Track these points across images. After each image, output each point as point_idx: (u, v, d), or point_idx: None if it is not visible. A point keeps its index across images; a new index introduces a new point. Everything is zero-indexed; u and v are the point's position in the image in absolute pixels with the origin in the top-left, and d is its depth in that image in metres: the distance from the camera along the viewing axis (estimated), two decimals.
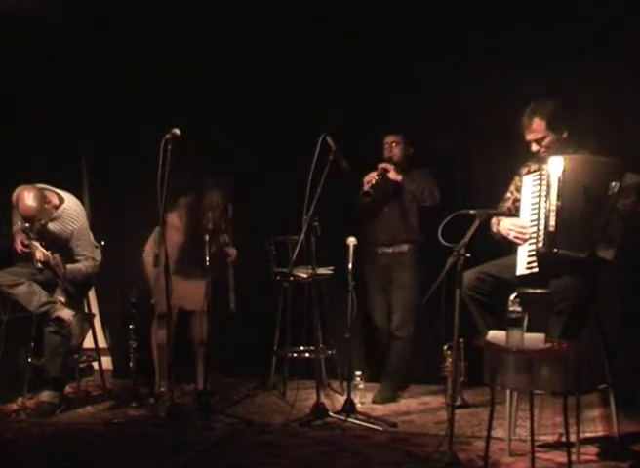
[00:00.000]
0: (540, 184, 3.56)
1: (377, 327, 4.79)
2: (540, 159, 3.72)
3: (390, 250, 4.69)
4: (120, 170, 5.50)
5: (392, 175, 4.61)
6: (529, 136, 3.74)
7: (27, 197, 4.21)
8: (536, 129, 3.71)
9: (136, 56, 5.33)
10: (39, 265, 4.27)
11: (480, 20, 4.77)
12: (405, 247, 4.68)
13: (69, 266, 4.37)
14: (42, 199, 4.27)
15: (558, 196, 3.48)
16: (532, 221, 3.60)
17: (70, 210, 4.43)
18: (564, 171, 3.49)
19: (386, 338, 4.70)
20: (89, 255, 4.46)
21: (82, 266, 4.42)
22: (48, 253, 4.27)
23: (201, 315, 4.46)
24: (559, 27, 4.58)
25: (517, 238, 3.63)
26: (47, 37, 5.30)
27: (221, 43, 5.21)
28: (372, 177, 4.55)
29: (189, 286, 4.52)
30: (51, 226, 4.37)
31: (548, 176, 3.52)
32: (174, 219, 4.62)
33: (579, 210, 3.47)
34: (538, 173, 3.62)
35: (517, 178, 3.88)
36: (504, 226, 3.70)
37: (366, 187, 4.49)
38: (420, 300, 3.61)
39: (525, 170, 3.82)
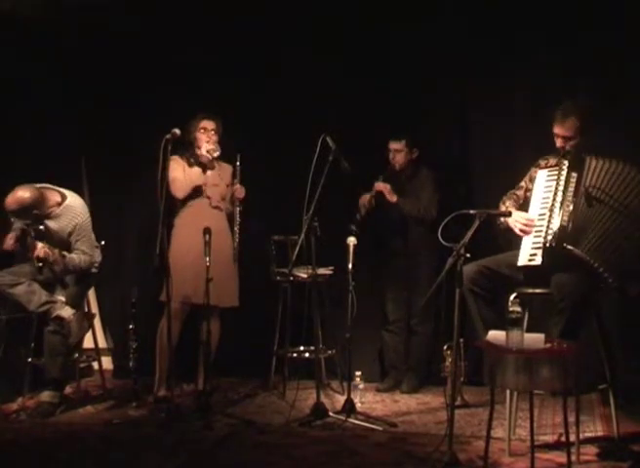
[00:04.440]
0: (558, 180, 3.56)
1: (391, 321, 4.87)
2: (561, 155, 3.70)
3: (408, 252, 4.77)
4: (120, 170, 5.50)
5: (388, 196, 4.68)
6: (560, 131, 3.70)
7: (18, 191, 4.18)
8: (569, 127, 3.68)
9: (136, 55, 5.33)
10: (39, 264, 4.24)
11: (481, 20, 4.79)
12: (421, 250, 4.72)
13: (65, 254, 4.34)
14: (35, 198, 4.20)
15: (574, 195, 3.48)
16: (540, 215, 3.60)
17: (73, 205, 4.42)
18: (586, 172, 3.49)
19: (404, 333, 4.84)
20: (86, 251, 4.41)
21: (76, 256, 4.36)
22: (48, 248, 4.24)
23: (206, 313, 4.42)
24: (560, 28, 4.59)
25: (522, 231, 3.63)
26: (47, 37, 5.30)
27: (221, 43, 5.21)
28: (365, 200, 4.65)
29: (201, 277, 4.24)
30: (52, 224, 4.35)
31: (568, 174, 3.52)
32: (177, 160, 4.58)
33: (598, 215, 3.47)
34: (555, 168, 3.61)
35: (533, 169, 3.86)
36: (512, 218, 3.69)
37: (353, 227, 4.46)
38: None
39: (543, 163, 3.81)
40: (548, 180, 3.62)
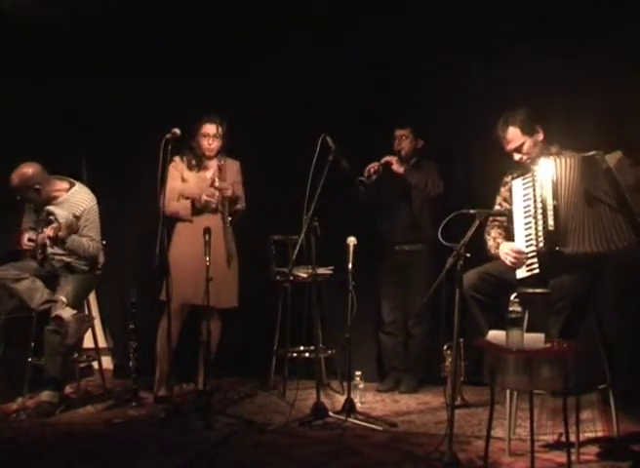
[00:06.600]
0: (533, 186, 3.57)
1: (387, 322, 4.87)
2: (525, 165, 3.74)
3: (407, 247, 4.79)
4: (120, 170, 5.50)
5: (395, 167, 4.67)
6: (509, 147, 3.79)
7: (22, 167, 4.38)
8: (512, 138, 3.76)
9: (135, 55, 5.34)
10: (41, 256, 4.31)
11: (481, 18, 4.79)
12: (419, 245, 4.73)
13: (73, 236, 4.34)
14: (37, 173, 4.35)
15: (553, 196, 3.48)
16: (526, 224, 3.60)
17: (80, 191, 4.51)
18: (556, 171, 3.50)
19: (401, 334, 4.84)
20: (94, 238, 4.45)
21: (85, 241, 4.39)
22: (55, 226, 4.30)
23: (206, 313, 4.41)
24: (559, 24, 4.59)
25: (514, 263, 3.61)
26: (47, 36, 5.30)
27: (221, 42, 5.22)
28: (372, 167, 4.60)
29: (200, 278, 4.24)
30: (60, 211, 4.40)
31: (541, 178, 3.53)
32: (176, 165, 4.60)
33: (581, 210, 3.45)
34: (529, 175, 3.63)
35: (503, 189, 3.90)
36: (502, 251, 3.68)
37: (363, 177, 4.54)
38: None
39: (510, 177, 3.84)
40: (525, 188, 3.64)
